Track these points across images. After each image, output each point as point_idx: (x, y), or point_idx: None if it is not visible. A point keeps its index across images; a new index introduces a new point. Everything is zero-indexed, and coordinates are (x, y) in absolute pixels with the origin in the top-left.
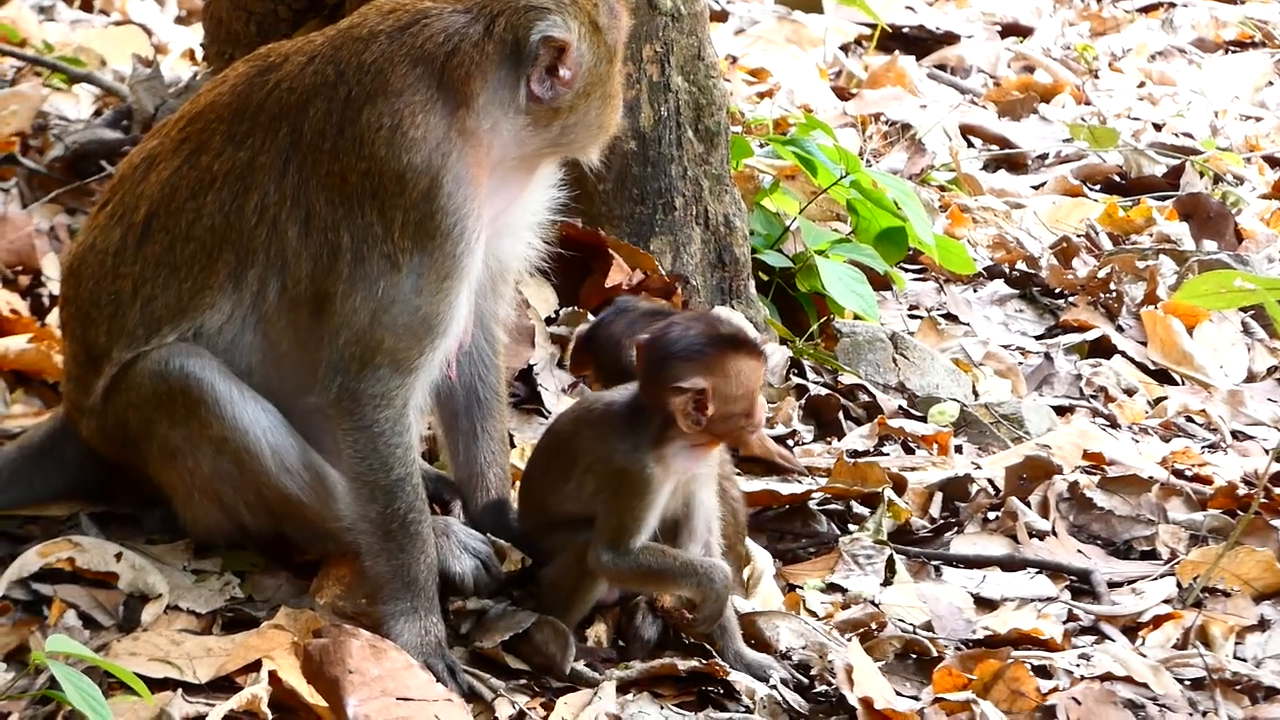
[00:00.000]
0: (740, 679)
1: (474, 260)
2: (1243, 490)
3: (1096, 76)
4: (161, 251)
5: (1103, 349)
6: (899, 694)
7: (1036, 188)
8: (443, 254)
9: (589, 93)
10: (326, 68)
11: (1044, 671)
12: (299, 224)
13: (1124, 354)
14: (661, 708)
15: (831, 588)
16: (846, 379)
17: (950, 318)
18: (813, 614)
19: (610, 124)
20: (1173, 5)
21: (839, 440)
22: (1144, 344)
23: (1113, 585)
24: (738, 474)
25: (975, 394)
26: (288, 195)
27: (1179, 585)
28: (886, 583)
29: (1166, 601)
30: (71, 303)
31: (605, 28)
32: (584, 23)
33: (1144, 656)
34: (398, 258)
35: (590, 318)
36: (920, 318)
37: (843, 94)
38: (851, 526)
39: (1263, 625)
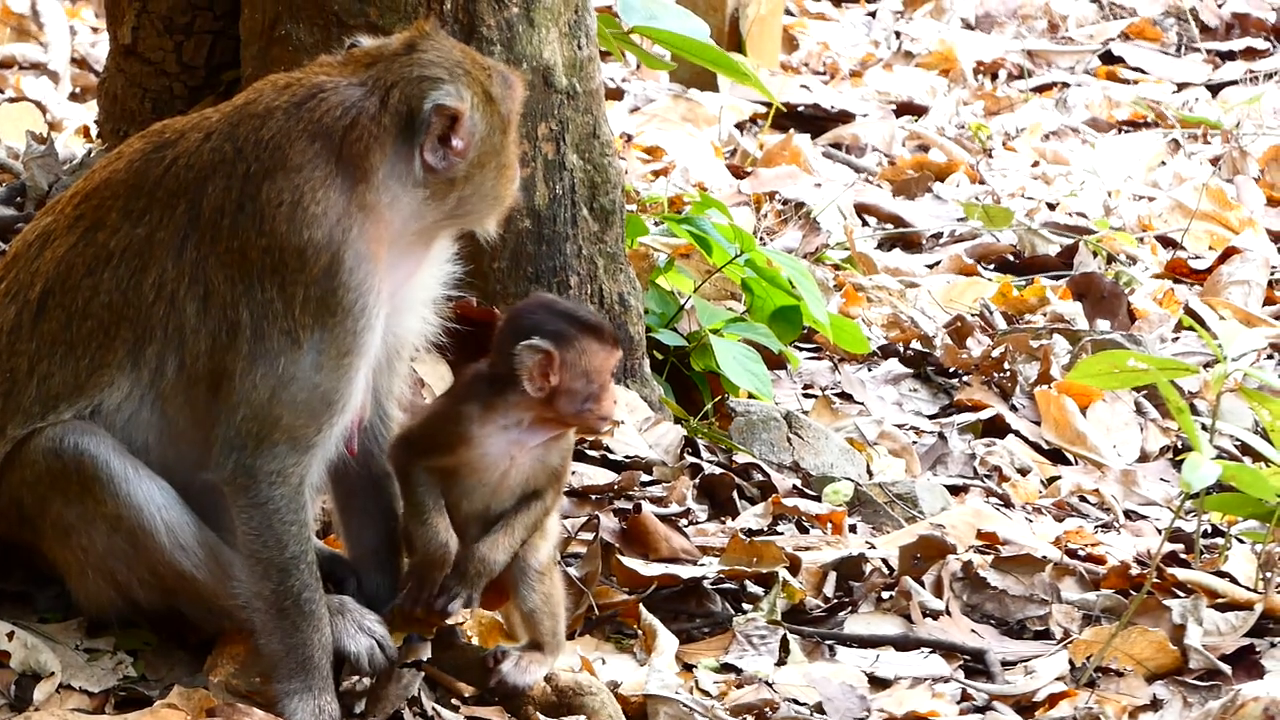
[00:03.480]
0: None
1: (374, 336)
2: (1136, 570)
3: (990, 156)
4: (58, 329)
5: (996, 428)
6: None
7: (931, 267)
8: (344, 330)
9: (484, 163)
10: (224, 144)
11: None
12: (197, 300)
13: (1018, 433)
14: None
15: (725, 668)
16: (741, 458)
17: (845, 397)
18: (706, 694)
19: (506, 195)
20: (1066, 85)
21: (733, 519)
22: (1038, 423)
23: (1006, 664)
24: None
25: (870, 473)
26: (186, 272)
27: (1072, 665)
28: (781, 662)
29: (1060, 680)
30: None
31: (499, 98)
32: (477, 92)
33: None
34: (298, 334)
35: None
36: (815, 397)
37: (738, 172)
38: (746, 606)
39: (1155, 705)
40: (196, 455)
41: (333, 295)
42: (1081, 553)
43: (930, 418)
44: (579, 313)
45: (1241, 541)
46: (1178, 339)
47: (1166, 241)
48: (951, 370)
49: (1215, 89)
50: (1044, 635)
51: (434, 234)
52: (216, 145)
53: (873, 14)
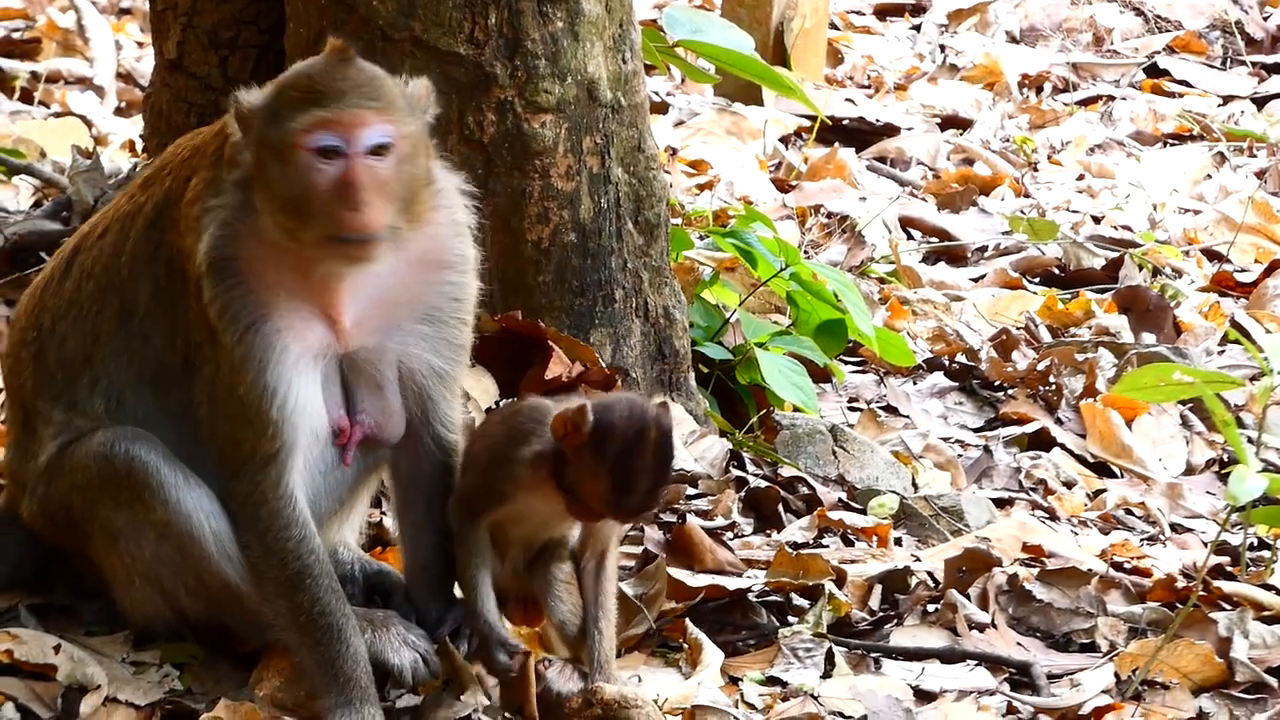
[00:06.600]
0: None
1: (264, 349)
2: (1181, 583)
3: (1036, 169)
4: (73, 287)
5: (1042, 441)
6: None
7: (976, 280)
8: (228, 340)
9: (260, 164)
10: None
11: None
12: (151, 283)
13: (1063, 446)
14: None
15: (771, 680)
16: (786, 471)
17: (890, 410)
18: (751, 707)
19: (270, 212)
20: (1111, 99)
21: (778, 532)
22: (1083, 437)
23: (1052, 678)
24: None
25: (915, 486)
26: (149, 251)
27: (1118, 678)
28: (826, 675)
29: (1105, 693)
30: (10, 351)
31: (281, 117)
32: (268, 106)
33: None
34: (202, 338)
35: None
36: (860, 410)
37: (782, 186)
38: (791, 619)
39: (1201, 718)
40: (210, 461)
41: (213, 303)
42: (1127, 566)
43: (975, 431)
44: (643, 443)
45: None
46: (1223, 352)
47: (1212, 255)
48: (997, 383)
49: (1261, 102)
50: (1090, 648)
51: (320, 253)
52: (219, 130)
53: (917, 27)
